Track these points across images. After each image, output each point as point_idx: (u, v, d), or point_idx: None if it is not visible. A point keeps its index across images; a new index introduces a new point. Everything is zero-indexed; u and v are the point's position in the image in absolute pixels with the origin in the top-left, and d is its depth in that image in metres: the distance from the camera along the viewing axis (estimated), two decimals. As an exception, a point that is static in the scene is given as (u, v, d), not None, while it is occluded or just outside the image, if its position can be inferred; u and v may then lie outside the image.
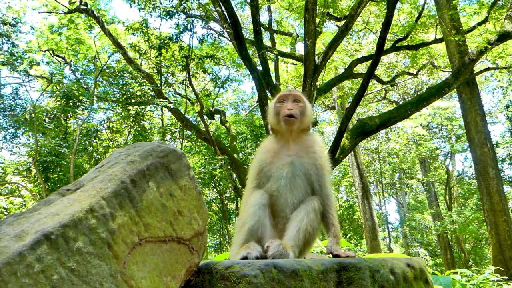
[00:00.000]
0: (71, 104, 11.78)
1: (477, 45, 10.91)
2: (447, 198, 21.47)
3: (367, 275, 1.74)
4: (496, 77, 21.00)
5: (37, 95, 23.01)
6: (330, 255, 2.14)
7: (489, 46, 10.51)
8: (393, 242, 28.13)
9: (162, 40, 11.74)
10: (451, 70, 12.39)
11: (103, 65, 12.89)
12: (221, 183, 17.38)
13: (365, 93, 13.22)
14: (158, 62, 12.76)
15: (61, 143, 12.31)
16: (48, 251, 1.11)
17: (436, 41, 13.22)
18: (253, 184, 2.33)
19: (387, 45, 12.15)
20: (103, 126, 14.43)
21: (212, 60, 13.09)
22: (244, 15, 19.12)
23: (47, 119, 13.81)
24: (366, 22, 15.79)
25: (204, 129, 13.23)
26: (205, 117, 14.24)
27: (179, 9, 11.40)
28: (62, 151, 12.10)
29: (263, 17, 17.64)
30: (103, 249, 1.25)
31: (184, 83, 13.67)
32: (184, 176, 1.64)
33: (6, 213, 15.06)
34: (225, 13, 10.56)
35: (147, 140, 14.11)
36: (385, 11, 8.95)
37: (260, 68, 11.37)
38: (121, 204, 1.36)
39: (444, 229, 19.17)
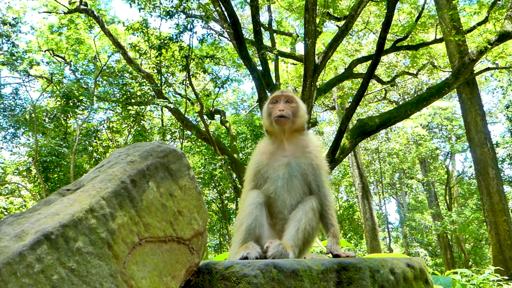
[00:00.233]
0: (71, 104, 11.77)
1: (477, 45, 10.91)
2: (447, 198, 21.47)
3: (367, 275, 1.74)
4: (496, 77, 21.00)
5: (37, 95, 23.02)
6: (330, 255, 2.14)
7: (489, 46, 10.51)
8: (393, 242, 28.13)
9: (162, 40, 11.74)
10: (451, 70, 12.39)
11: (103, 65, 12.89)
12: (221, 183, 17.38)
13: (365, 93, 13.23)
14: (158, 62, 12.76)
15: (61, 143, 12.31)
16: (48, 251, 1.11)
17: (436, 41, 13.22)
18: (250, 186, 2.33)
19: (387, 45, 12.14)
20: (103, 126, 14.43)
21: (212, 60, 13.09)
22: (244, 15, 19.12)
23: (47, 119, 13.81)
24: (366, 22, 15.79)
25: (204, 129, 13.23)
26: (205, 117, 14.24)
27: (179, 9, 11.40)
28: (62, 151, 12.09)
29: (263, 17, 17.65)
30: (103, 249, 1.25)
31: (184, 83, 13.67)
32: (184, 176, 1.64)
33: (6, 213, 15.06)
34: (225, 13, 10.56)
35: (147, 140, 14.11)
36: (385, 11, 8.95)
37: (260, 68, 11.37)
38: (121, 204, 1.36)
39: (444, 229, 19.17)
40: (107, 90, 13.92)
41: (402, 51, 14.52)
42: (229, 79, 16.17)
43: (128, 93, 12.47)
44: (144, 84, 12.89)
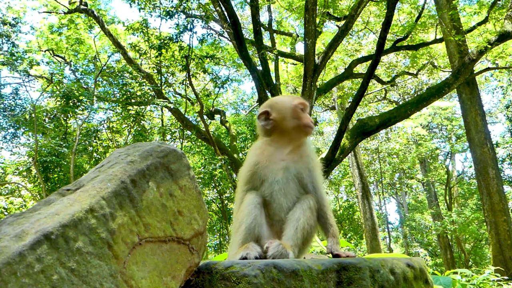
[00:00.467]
0: (71, 104, 11.77)
1: (477, 45, 10.91)
2: (447, 198, 21.47)
3: (367, 275, 1.74)
4: (496, 77, 21.00)
5: (37, 95, 23.02)
6: (330, 255, 2.14)
7: (489, 46, 10.51)
8: (393, 242, 28.14)
9: (162, 40, 11.75)
10: (451, 70, 12.39)
11: (103, 65, 12.90)
12: (221, 183, 17.38)
13: (365, 93, 13.23)
14: (158, 62, 12.76)
15: (61, 143, 12.31)
16: (48, 251, 1.11)
17: (436, 41, 13.22)
18: (246, 187, 2.31)
19: (387, 45, 12.15)
20: (103, 126, 14.44)
21: (212, 60, 13.09)
22: (244, 15, 19.13)
23: (47, 119, 13.82)
24: (366, 22, 15.79)
25: (204, 129, 13.24)
26: (205, 117, 14.24)
27: (179, 9, 11.41)
28: (62, 151, 12.10)
29: (263, 17, 17.65)
30: (103, 249, 1.25)
31: (184, 83, 13.68)
32: (184, 176, 1.64)
33: (6, 213, 15.06)
34: (225, 13, 10.56)
35: (147, 140, 14.11)
36: (385, 11, 8.95)
37: (260, 68, 11.37)
38: (121, 204, 1.36)
39: (444, 229, 19.17)
40: (107, 90, 13.93)
41: (402, 51, 14.52)
42: (229, 79, 16.18)
43: (128, 93, 12.47)
44: (144, 84, 12.89)
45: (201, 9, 12.09)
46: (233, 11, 10.24)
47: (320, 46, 15.44)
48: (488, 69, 13.87)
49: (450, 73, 11.75)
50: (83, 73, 14.99)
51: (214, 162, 13.48)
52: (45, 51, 15.36)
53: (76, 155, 11.96)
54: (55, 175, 13.06)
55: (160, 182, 1.53)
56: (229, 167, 13.43)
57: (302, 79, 10.89)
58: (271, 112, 2.40)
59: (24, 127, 13.40)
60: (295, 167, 2.31)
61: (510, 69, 14.95)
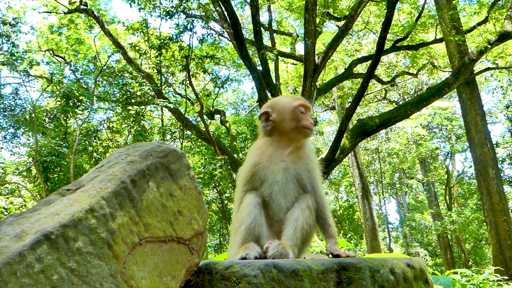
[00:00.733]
0: (71, 104, 11.77)
1: (477, 45, 10.91)
2: (447, 198, 21.47)
3: (367, 275, 1.74)
4: (496, 77, 21.00)
5: (37, 95, 23.03)
6: (330, 256, 2.14)
7: (489, 46, 10.51)
8: (393, 242, 28.14)
9: (162, 40, 11.74)
10: (451, 70, 12.39)
11: (103, 65, 12.89)
12: (221, 183, 17.38)
13: (365, 93, 13.23)
14: (158, 62, 12.76)
15: (61, 143, 12.31)
16: (48, 251, 1.11)
17: (436, 41, 13.22)
18: (246, 187, 2.31)
19: (387, 45, 12.15)
20: (103, 126, 14.44)
21: (212, 60, 13.09)
22: (244, 15, 19.13)
23: (47, 119, 13.82)
24: (366, 22, 15.80)
25: (204, 129, 13.24)
26: (205, 117, 14.24)
27: (179, 9, 11.41)
28: (62, 151, 12.10)
29: (263, 17, 17.65)
30: (103, 249, 1.25)
31: (184, 83, 13.68)
32: (184, 176, 1.64)
33: (6, 213, 15.07)
34: (225, 13, 10.56)
35: (147, 140, 14.11)
36: (385, 11, 8.95)
37: (260, 68, 11.37)
38: (121, 204, 1.36)
39: (444, 229, 19.17)
40: (107, 90, 13.93)
41: (402, 51, 14.52)
42: (229, 79, 16.17)
43: (128, 93, 12.47)
44: (144, 84, 12.89)
45: (201, 9, 12.09)
46: (233, 11, 10.24)
47: (320, 46, 15.44)
48: (488, 69, 13.87)
49: (450, 73, 11.75)
50: (83, 73, 14.99)
51: (214, 162, 13.48)
52: (45, 51, 15.36)
53: (76, 155, 11.96)
54: (55, 175, 13.06)
55: (160, 182, 1.53)
56: (229, 167, 13.43)
57: (302, 79, 10.89)
58: (272, 113, 2.40)
59: (24, 127, 13.40)
60: (294, 167, 2.31)
61: (510, 69, 14.95)
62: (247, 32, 17.23)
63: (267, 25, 14.60)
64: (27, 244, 1.07)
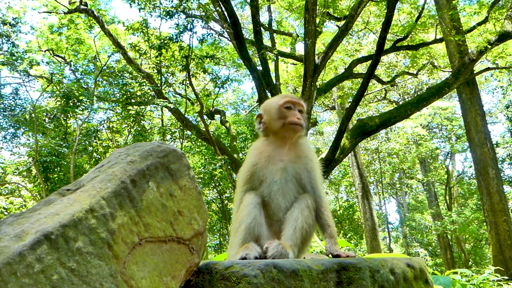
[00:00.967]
0: (71, 104, 11.77)
1: (477, 45, 10.91)
2: (447, 198, 21.47)
3: (367, 275, 1.74)
4: (496, 77, 21.00)
5: (37, 95, 23.04)
6: (330, 256, 2.14)
7: (489, 46, 10.51)
8: (393, 242, 28.14)
9: (162, 40, 11.74)
10: (451, 70, 12.39)
11: (103, 65, 12.89)
12: (221, 183, 17.38)
13: (365, 93, 13.23)
14: (158, 62, 12.76)
15: (61, 143, 12.31)
16: (48, 251, 1.11)
17: (436, 41, 13.22)
18: (245, 187, 2.32)
19: (387, 45, 12.15)
20: (103, 126, 14.43)
21: (212, 60, 13.09)
22: (244, 15, 19.12)
23: (47, 119, 13.82)
24: (366, 22, 15.79)
25: (204, 129, 13.23)
26: (205, 117, 14.23)
27: (179, 9, 11.40)
28: (62, 151, 12.10)
29: (263, 17, 17.65)
30: (103, 249, 1.25)
31: (184, 83, 13.67)
32: (184, 176, 1.64)
33: (6, 213, 15.07)
34: (225, 13, 10.56)
35: (147, 140, 14.11)
36: (385, 11, 8.95)
37: (260, 68, 11.37)
38: (121, 204, 1.36)
39: (444, 229, 19.17)
40: (107, 90, 13.92)
41: (402, 51, 14.52)
42: (229, 79, 16.17)
43: (128, 93, 12.47)
44: (144, 84, 12.89)
45: (201, 9, 12.09)
46: (233, 11, 10.24)
47: (320, 46, 15.44)
48: (488, 69, 13.87)
49: (450, 73, 11.75)
50: (83, 73, 14.99)
51: (214, 162, 13.48)
52: (45, 51, 15.36)
53: (76, 155, 11.96)
54: (55, 175, 13.06)
55: (160, 182, 1.53)
56: (229, 167, 13.43)
57: (302, 79, 10.89)
58: (263, 115, 2.46)
59: (24, 127, 13.39)
60: (293, 167, 2.32)
61: (510, 69, 14.95)
62: (247, 32, 17.23)
63: (267, 25, 14.60)
64: (27, 244, 1.07)
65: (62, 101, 11.87)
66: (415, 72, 16.24)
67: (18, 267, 1.03)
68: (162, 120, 15.59)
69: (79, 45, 15.57)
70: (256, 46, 11.63)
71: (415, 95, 20.02)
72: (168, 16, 11.42)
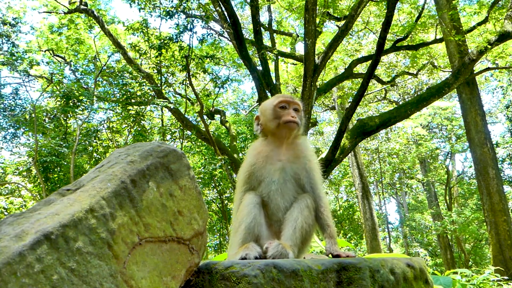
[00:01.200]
0: (71, 104, 11.77)
1: (477, 45, 10.91)
2: (447, 198, 21.47)
3: (367, 275, 1.74)
4: (496, 77, 21.00)
5: (37, 95, 23.04)
6: (330, 256, 2.14)
7: (489, 46, 10.51)
8: (393, 242, 28.14)
9: (162, 40, 11.74)
10: (451, 70, 12.39)
11: (103, 65, 12.89)
12: (221, 183, 17.38)
13: (365, 93, 13.23)
14: (158, 62, 12.76)
15: (61, 143, 12.31)
16: (48, 251, 1.11)
17: (436, 41, 13.22)
18: (245, 188, 2.33)
19: (387, 45, 12.14)
20: (103, 126, 14.43)
21: (212, 60, 13.08)
22: (244, 15, 19.12)
23: (47, 119, 13.82)
24: (366, 22, 15.79)
25: (204, 129, 13.23)
26: (205, 117, 14.23)
27: (179, 9, 11.40)
28: (62, 151, 12.09)
29: (263, 17, 17.65)
30: (103, 249, 1.25)
31: (184, 83, 13.67)
32: (184, 176, 1.64)
33: (6, 213, 15.07)
34: (225, 13, 10.56)
35: (147, 140, 14.11)
36: (385, 11, 8.95)
37: (260, 68, 11.37)
38: (121, 204, 1.36)
39: (444, 229, 19.17)
40: (107, 90, 13.92)
41: (402, 51, 14.52)
42: (229, 79, 16.17)
43: (128, 93, 12.47)
44: (144, 84, 12.89)
45: (201, 9, 12.08)
46: (233, 11, 10.24)
47: (320, 46, 15.44)
48: (488, 69, 13.87)
49: (450, 73, 11.75)
50: (83, 73, 14.99)
51: (214, 162, 13.47)
52: (45, 51, 15.36)
53: (76, 155, 11.96)
54: (55, 175, 13.06)
55: (160, 182, 1.53)
56: (229, 167, 13.43)
57: (302, 79, 10.89)
58: (260, 116, 2.48)
59: (24, 127, 13.39)
60: (291, 167, 2.32)
61: (510, 69, 14.95)
62: (247, 32, 17.22)
63: (267, 25, 14.59)
64: (27, 244, 1.07)
65: (62, 101, 11.86)
66: (415, 72, 16.24)
67: (18, 267, 1.03)
68: (162, 120, 15.59)
69: (79, 45, 15.57)
70: (256, 46, 11.63)
71: (415, 95, 20.02)
72: (168, 16, 11.42)
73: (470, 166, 22.39)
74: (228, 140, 15.76)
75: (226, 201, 18.06)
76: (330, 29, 18.22)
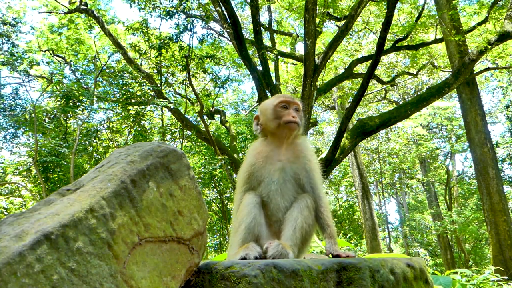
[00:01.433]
0: (71, 104, 11.77)
1: (477, 45, 10.91)
2: (447, 198, 21.47)
3: (367, 275, 1.74)
4: (496, 77, 21.00)
5: (37, 95, 23.04)
6: (330, 256, 2.14)
7: (489, 46, 10.51)
8: (393, 242, 28.14)
9: (162, 40, 11.74)
10: (451, 70, 12.39)
11: (103, 65, 12.89)
12: (221, 183, 17.38)
13: (365, 93, 13.22)
14: (158, 62, 12.76)
15: (61, 143, 12.31)
16: (48, 251, 1.11)
17: (436, 41, 13.22)
18: (244, 188, 2.33)
19: (387, 45, 12.14)
20: (103, 126, 14.43)
21: (212, 60, 13.08)
22: (244, 15, 19.12)
23: (47, 119, 13.82)
24: (366, 22, 15.79)
25: (204, 129, 13.23)
26: (205, 117, 14.23)
27: (179, 9, 11.40)
28: (62, 151, 12.10)
29: (263, 17, 17.65)
30: (103, 249, 1.25)
31: (184, 83, 13.67)
32: (184, 176, 1.64)
33: (6, 213, 15.07)
34: (225, 13, 10.56)
35: (147, 140, 14.11)
36: (385, 11, 8.95)
37: (260, 68, 11.37)
38: (121, 204, 1.36)
39: (444, 229, 19.17)
40: (107, 90, 13.92)
41: (402, 51, 14.52)
42: (229, 79, 16.16)
43: (128, 93, 12.47)
44: (144, 84, 12.89)
45: (201, 9, 12.08)
46: (233, 11, 10.24)
47: (320, 46, 15.44)
48: (488, 69, 13.87)
49: (450, 73, 11.75)
50: (83, 73, 14.99)
51: (214, 162, 13.48)
52: (45, 51, 15.36)
53: (76, 155, 11.96)
54: (55, 175, 13.06)
55: (160, 182, 1.53)
56: (229, 167, 13.43)
57: (302, 79, 10.88)
58: (260, 116, 2.48)
59: (24, 127, 13.39)
60: (291, 167, 2.32)
61: (510, 69, 14.95)
62: (247, 32, 17.22)
63: (267, 25, 14.59)
64: (27, 244, 1.07)
65: (62, 101, 11.86)
66: (415, 72, 16.24)
67: (18, 267, 1.03)
68: (162, 120, 15.59)
69: (79, 45, 15.56)
70: (256, 46, 11.63)
71: (415, 95, 20.02)
72: (168, 16, 11.42)
73: (470, 166, 22.40)
74: (228, 140, 15.76)
75: (226, 201, 18.06)
76: (330, 29, 18.23)
